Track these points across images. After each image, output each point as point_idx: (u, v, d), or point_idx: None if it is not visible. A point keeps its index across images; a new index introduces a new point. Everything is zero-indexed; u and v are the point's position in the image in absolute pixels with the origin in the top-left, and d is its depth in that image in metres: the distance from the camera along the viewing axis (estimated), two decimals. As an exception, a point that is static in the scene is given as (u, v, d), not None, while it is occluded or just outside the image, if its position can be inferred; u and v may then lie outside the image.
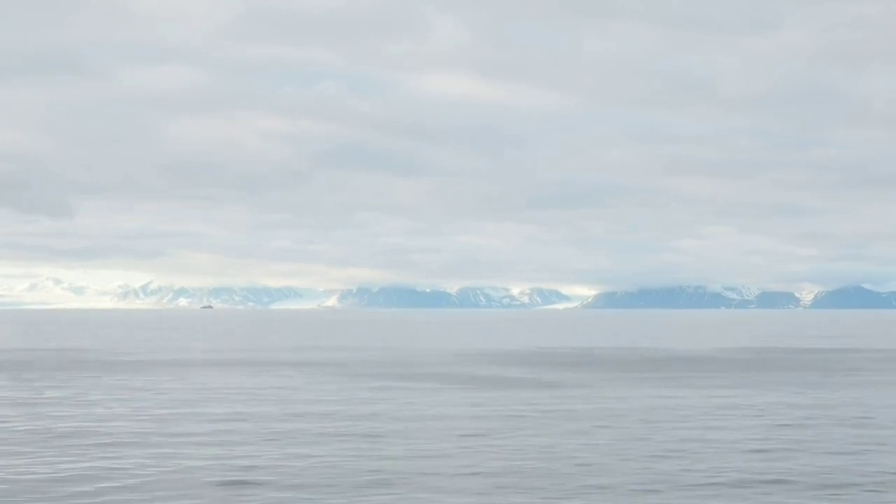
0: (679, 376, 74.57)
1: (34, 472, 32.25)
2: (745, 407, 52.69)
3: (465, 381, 69.00)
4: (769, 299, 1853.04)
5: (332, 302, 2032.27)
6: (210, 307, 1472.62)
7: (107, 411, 49.29)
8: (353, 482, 30.76)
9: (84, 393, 58.94)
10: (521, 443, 38.96)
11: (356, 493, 29.21)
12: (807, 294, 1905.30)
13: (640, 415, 48.94)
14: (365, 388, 63.52)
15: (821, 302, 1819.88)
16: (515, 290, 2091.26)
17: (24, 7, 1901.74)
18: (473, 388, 63.35)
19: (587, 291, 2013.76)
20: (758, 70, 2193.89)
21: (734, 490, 30.28)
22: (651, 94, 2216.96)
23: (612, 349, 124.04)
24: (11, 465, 33.26)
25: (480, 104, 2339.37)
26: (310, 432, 41.68)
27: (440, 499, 28.73)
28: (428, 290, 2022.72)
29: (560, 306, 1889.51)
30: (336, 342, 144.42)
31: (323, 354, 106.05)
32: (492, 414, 48.97)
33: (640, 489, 30.30)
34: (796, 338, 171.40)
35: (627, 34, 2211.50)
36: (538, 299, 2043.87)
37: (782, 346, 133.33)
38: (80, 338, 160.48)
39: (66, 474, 31.79)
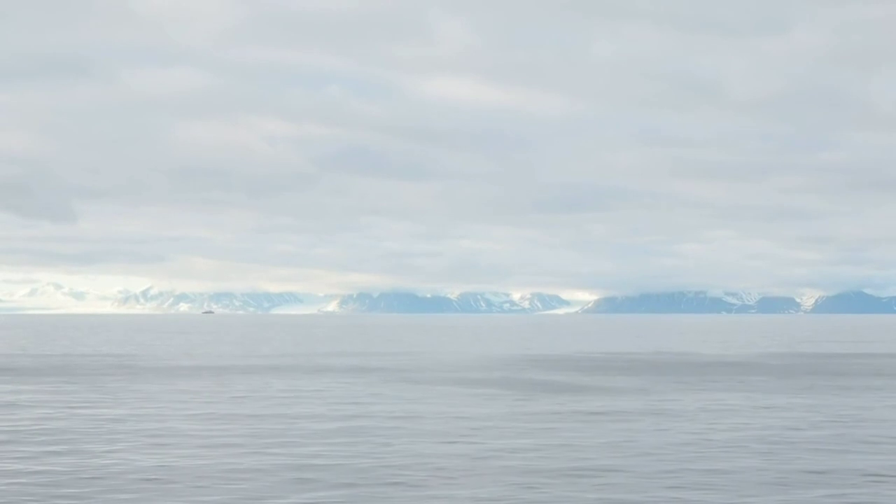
0: (749, 381, 74.54)
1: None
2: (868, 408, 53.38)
3: (545, 388, 68.91)
4: (770, 304, 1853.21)
5: (332, 307, 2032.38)
6: (211, 312, 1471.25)
7: (217, 414, 49.38)
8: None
9: (172, 397, 59.01)
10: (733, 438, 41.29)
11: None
12: (808, 299, 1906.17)
13: (784, 418, 49.65)
14: (459, 393, 63.56)
15: (821, 307, 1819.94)
16: (516, 296, 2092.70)
17: (30, 10, 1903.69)
18: (563, 394, 63.26)
19: (588, 296, 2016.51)
20: (766, 72, 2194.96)
21: None
22: (658, 96, 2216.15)
23: (650, 354, 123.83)
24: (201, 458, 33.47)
25: (487, 107, 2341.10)
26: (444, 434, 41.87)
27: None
28: (429, 296, 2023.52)
29: (561, 311, 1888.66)
30: (369, 347, 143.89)
31: (367, 360, 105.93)
32: (634, 416, 49.31)
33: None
34: (825, 343, 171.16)
35: (635, 36, 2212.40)
36: (539, 304, 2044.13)
37: (823, 352, 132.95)
38: (107, 343, 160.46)
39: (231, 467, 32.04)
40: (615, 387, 69.35)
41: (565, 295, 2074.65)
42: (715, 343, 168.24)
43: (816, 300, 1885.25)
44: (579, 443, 40.51)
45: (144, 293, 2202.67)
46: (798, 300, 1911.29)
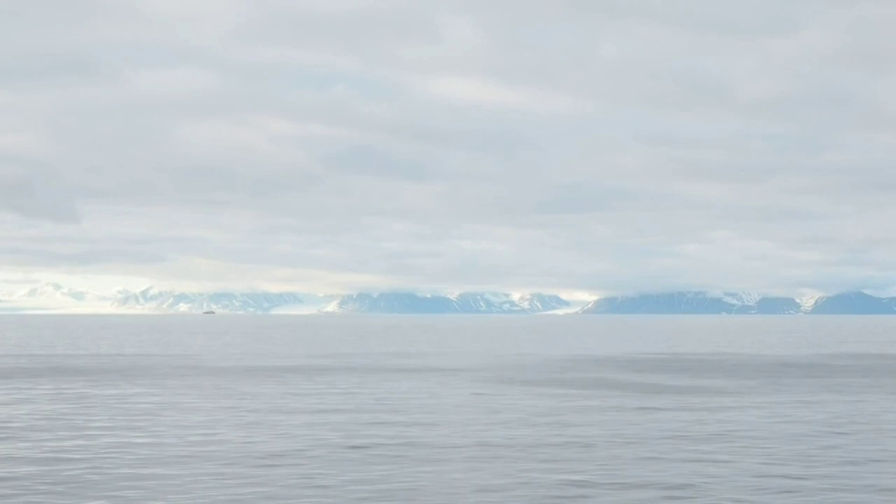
0: (838, 381, 73.65)
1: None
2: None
3: (644, 388, 68.07)
4: (770, 305, 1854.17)
5: (332, 307, 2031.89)
6: (212, 313, 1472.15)
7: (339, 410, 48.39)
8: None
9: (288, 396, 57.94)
10: None
11: None
12: (807, 300, 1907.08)
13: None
14: (571, 394, 62.56)
15: (821, 307, 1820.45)
16: (516, 296, 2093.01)
17: (35, 9, 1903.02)
18: (679, 393, 62.32)
19: (587, 297, 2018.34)
20: (773, 72, 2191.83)
21: None
22: (665, 96, 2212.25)
23: (710, 355, 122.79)
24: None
25: (493, 107, 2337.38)
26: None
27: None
28: (428, 296, 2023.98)
29: (560, 312, 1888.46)
30: (415, 347, 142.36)
31: (431, 360, 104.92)
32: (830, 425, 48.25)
33: None
34: (862, 343, 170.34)
35: (641, 36, 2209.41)
36: (538, 305, 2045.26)
37: (873, 353, 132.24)
38: (146, 345, 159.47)
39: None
40: (721, 387, 68.30)
41: (565, 295, 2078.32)
42: (758, 344, 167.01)
43: (816, 301, 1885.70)
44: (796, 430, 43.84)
45: (144, 293, 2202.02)
46: (798, 301, 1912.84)
